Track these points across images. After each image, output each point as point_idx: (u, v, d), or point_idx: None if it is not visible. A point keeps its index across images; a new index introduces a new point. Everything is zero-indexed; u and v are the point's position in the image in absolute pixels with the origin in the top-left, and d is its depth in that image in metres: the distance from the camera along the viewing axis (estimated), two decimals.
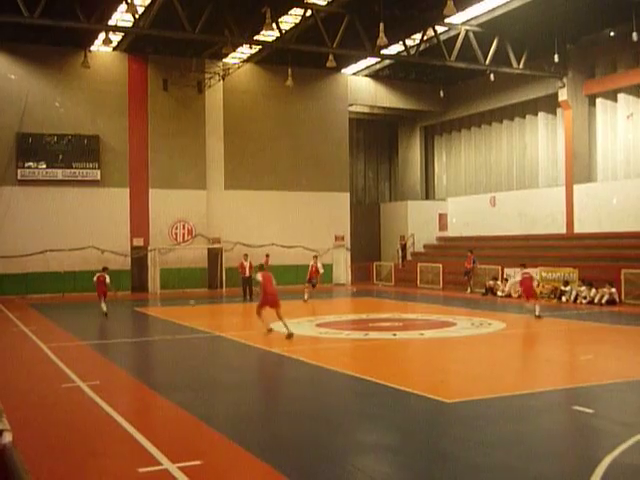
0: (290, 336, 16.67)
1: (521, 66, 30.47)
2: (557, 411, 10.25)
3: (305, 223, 36.61)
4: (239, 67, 34.40)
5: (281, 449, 8.28)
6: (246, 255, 30.08)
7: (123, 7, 25.79)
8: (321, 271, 27.75)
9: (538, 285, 25.06)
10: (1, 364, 14.53)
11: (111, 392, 11.36)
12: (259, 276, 17.57)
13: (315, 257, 28.29)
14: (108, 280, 22.29)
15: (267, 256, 31.99)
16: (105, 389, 11.41)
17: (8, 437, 3.99)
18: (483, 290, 30.32)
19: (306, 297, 26.76)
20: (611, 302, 24.58)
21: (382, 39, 24.67)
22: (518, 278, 22.86)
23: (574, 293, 26.15)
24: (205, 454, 7.98)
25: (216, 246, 34.71)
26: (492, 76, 31.95)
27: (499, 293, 29.28)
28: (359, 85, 38.43)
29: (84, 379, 12.09)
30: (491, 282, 30.12)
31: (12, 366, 14.39)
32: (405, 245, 39.12)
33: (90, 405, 10.41)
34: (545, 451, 8.01)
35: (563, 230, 32.23)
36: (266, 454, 7.88)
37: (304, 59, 33.62)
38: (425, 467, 7.64)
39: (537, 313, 20.98)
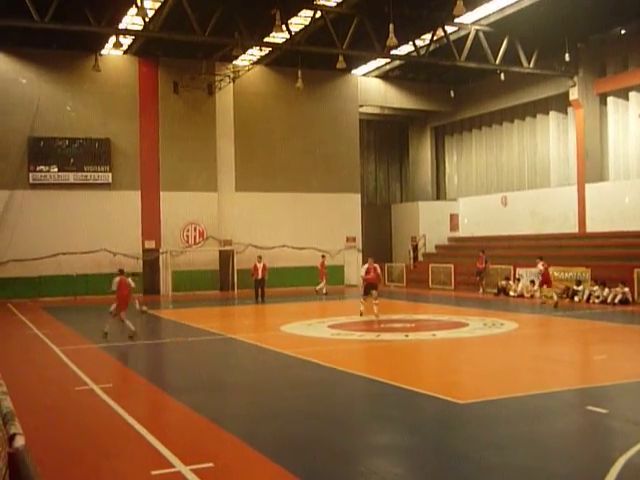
0: (133, 335, 17.52)
1: (531, 65, 30.36)
2: (571, 411, 10.19)
3: (316, 224, 36.59)
4: (249, 69, 34.44)
5: (293, 451, 8.26)
6: (260, 257, 30.10)
7: (133, 10, 25.88)
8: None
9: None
10: (14, 367, 14.57)
11: (124, 395, 11.39)
12: (115, 282, 17.77)
13: (370, 259, 23.06)
14: (133, 285, 18.83)
15: (323, 257, 32.75)
16: (118, 392, 11.44)
17: (20, 441, 3.99)
18: (495, 290, 30.22)
19: (362, 308, 21.98)
20: (624, 302, 24.44)
21: (392, 40, 24.61)
22: (541, 267, 25.01)
23: (587, 293, 26.00)
24: (218, 456, 7.99)
25: (227, 248, 34.73)
26: (502, 76, 31.85)
27: (511, 293, 29.17)
28: (369, 86, 38.39)
29: (97, 382, 12.12)
30: (503, 282, 30.00)
31: (25, 369, 14.44)
32: (416, 246, 39.05)
33: (103, 408, 10.44)
34: (559, 451, 7.97)
35: (575, 229, 32.07)
36: (279, 456, 7.87)
37: (314, 61, 33.63)
38: (438, 468, 7.62)
39: (556, 299, 24.06)
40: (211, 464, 7.61)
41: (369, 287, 21.87)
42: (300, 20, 28.57)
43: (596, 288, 25.68)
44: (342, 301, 30.49)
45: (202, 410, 10.10)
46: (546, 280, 25.17)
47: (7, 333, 20.29)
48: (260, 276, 28.95)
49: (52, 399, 11.33)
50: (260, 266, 29.05)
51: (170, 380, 13.55)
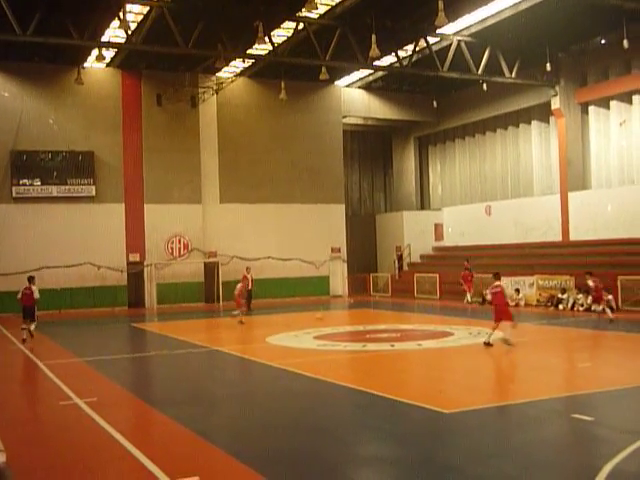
0: None
1: (513, 75, 30.56)
2: (556, 419, 10.21)
3: (301, 235, 36.58)
4: (232, 81, 34.46)
5: (279, 462, 8.22)
6: (248, 268, 30.11)
7: (116, 23, 25.82)
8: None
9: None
10: None
11: (108, 409, 11.30)
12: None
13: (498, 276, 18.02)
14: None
15: (467, 261, 31.77)
16: (102, 406, 11.35)
17: (2, 457, 3.96)
18: (480, 299, 30.25)
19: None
20: (608, 309, 24.50)
21: (374, 51, 24.75)
22: (591, 284, 22.85)
23: (571, 301, 26.13)
24: (203, 469, 7.93)
25: (212, 260, 34.64)
26: (485, 86, 32.04)
27: None
28: (352, 97, 38.51)
29: (81, 396, 12.03)
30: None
31: (9, 384, 14.32)
32: (401, 255, 39.11)
33: (87, 422, 10.36)
34: (545, 460, 7.97)
35: (559, 238, 32.23)
36: (264, 468, 7.83)
37: (297, 72, 33.70)
38: (424, 478, 7.60)
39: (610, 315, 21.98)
40: (197, 478, 7.55)
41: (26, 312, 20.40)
42: (283, 32, 28.65)
43: (580, 296, 25.79)
44: (328, 312, 30.42)
45: (188, 423, 10.05)
46: (599, 296, 22.73)
47: None
48: (250, 286, 29.03)
49: (36, 414, 11.25)
50: (249, 277, 29.14)
51: (155, 393, 13.47)
